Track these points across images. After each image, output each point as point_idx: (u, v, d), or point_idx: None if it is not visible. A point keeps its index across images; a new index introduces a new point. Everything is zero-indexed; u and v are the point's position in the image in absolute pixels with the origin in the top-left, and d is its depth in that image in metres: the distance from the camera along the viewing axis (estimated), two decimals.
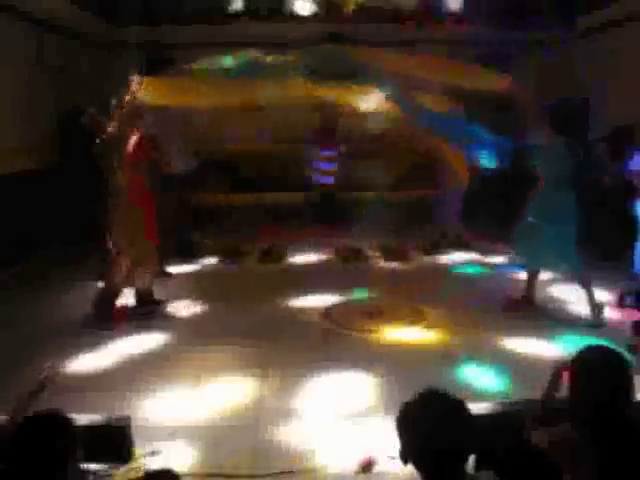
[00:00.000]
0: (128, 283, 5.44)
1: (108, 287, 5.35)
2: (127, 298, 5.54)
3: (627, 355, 1.99)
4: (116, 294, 5.35)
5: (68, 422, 1.83)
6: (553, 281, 6.05)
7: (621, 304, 5.38)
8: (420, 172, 8.92)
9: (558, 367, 2.10)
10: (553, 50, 9.30)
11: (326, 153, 9.27)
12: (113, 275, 5.30)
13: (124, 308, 5.45)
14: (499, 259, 7.30)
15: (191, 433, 3.33)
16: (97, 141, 5.15)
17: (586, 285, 5.00)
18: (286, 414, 3.56)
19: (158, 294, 5.73)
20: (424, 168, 8.78)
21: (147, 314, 5.41)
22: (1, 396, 3.56)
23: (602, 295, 5.35)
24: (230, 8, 9.40)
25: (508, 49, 9.56)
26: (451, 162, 7.01)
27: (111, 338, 4.80)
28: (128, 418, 2.98)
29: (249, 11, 9.34)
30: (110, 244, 5.28)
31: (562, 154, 4.91)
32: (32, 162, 6.95)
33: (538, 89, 9.24)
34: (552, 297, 5.76)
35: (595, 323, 4.89)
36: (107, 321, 5.12)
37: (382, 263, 7.40)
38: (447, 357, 4.34)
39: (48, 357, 4.36)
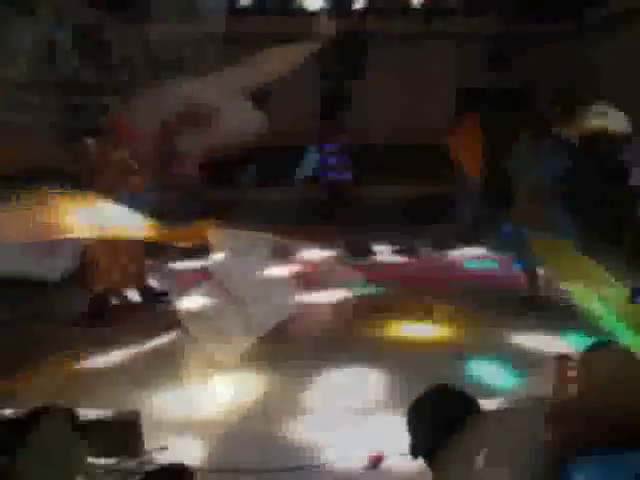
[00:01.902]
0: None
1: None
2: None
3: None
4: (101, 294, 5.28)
5: (70, 414, 1.82)
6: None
7: (634, 300, 5.33)
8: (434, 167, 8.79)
9: (558, 361, 2.08)
10: (561, 44, 9.24)
11: (327, 148, 9.10)
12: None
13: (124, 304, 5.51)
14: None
15: (200, 428, 3.35)
16: None
17: None
18: (295, 409, 3.57)
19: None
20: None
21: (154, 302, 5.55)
22: (6, 393, 3.60)
23: None
24: (238, 3, 9.38)
25: (516, 43, 9.52)
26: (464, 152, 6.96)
27: (120, 334, 4.81)
28: (138, 413, 2.99)
29: (257, 6, 9.32)
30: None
31: None
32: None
33: (546, 83, 9.26)
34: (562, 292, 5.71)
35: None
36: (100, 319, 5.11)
37: (392, 258, 7.37)
38: (456, 353, 4.33)
39: (55, 353, 4.44)
